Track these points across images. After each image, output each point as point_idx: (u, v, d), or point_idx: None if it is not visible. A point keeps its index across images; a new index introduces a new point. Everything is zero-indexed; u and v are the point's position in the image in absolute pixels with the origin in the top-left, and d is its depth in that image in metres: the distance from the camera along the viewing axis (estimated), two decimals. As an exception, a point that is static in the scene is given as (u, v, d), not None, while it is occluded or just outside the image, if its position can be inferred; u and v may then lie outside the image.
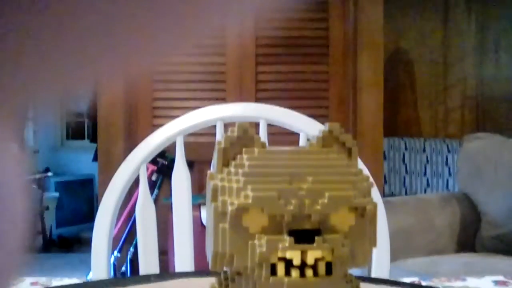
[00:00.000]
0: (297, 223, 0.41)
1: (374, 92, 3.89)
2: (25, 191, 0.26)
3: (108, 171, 2.99)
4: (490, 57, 4.86)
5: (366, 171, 0.90)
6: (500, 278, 0.98)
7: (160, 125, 1.36)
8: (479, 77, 4.86)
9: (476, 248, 3.11)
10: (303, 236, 0.40)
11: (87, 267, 1.26)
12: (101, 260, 1.24)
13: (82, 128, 8.85)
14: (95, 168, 4.18)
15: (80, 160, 8.10)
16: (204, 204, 0.46)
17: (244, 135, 0.44)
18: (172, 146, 1.34)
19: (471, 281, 0.97)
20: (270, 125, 1.35)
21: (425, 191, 4.45)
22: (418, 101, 4.86)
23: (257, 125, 1.33)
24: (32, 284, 0.94)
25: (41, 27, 0.19)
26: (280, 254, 0.40)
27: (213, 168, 0.44)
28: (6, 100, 0.21)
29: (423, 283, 0.95)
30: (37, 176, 7.26)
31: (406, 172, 4.47)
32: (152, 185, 3.87)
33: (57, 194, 7.65)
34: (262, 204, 0.41)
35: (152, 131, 1.36)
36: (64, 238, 7.33)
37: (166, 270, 2.77)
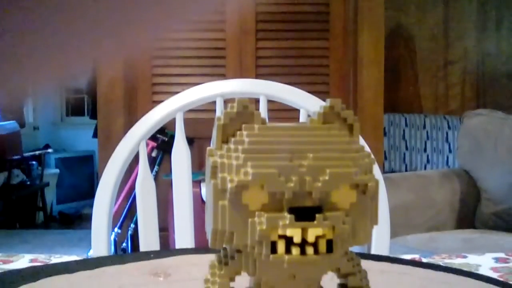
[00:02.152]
0: (298, 200, 0.40)
1: (375, 68, 3.88)
2: None
3: (108, 148, 2.99)
4: (491, 33, 4.84)
5: (367, 148, 0.90)
6: (501, 255, 0.98)
7: (160, 101, 1.35)
8: (480, 53, 4.85)
9: (475, 224, 3.12)
10: (304, 214, 0.40)
11: (88, 243, 1.27)
12: (101, 236, 1.24)
13: (82, 105, 8.85)
14: (95, 145, 4.19)
15: (80, 136, 8.10)
16: (204, 180, 0.45)
17: (244, 111, 0.43)
18: (172, 122, 1.33)
19: (471, 258, 0.97)
20: (270, 101, 1.34)
21: (425, 168, 4.46)
22: (418, 77, 4.85)
23: (257, 101, 1.32)
24: (32, 260, 0.94)
25: (41, 8, 0.19)
26: (280, 232, 0.40)
27: (212, 145, 0.44)
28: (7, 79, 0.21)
29: (424, 260, 0.95)
30: (37, 152, 7.26)
31: (406, 148, 4.47)
32: (152, 162, 3.87)
33: (57, 171, 7.66)
34: (262, 181, 0.40)
35: (151, 107, 1.36)
36: (64, 214, 7.35)
37: (166, 246, 2.78)
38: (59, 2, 0.19)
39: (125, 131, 1.32)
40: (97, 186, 1.28)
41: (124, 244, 3.95)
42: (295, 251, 0.40)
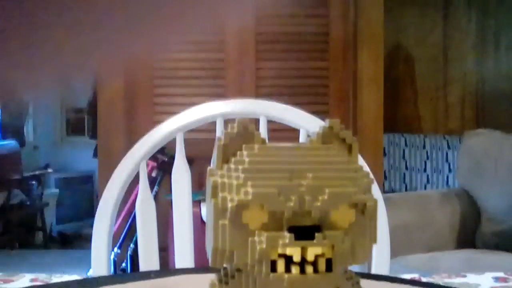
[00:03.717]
0: (297, 219, 0.41)
1: (374, 88, 3.89)
2: None
3: (108, 168, 2.99)
4: (490, 54, 4.86)
5: (366, 168, 0.90)
6: (501, 274, 0.98)
7: (161, 121, 1.36)
8: (479, 74, 4.86)
9: (476, 244, 3.11)
10: (303, 233, 0.40)
11: (87, 263, 1.26)
12: (101, 256, 1.23)
13: (82, 124, 8.85)
14: (95, 165, 4.18)
15: (80, 156, 8.09)
16: (204, 200, 0.46)
17: (244, 132, 0.44)
18: (172, 143, 1.33)
19: (471, 277, 0.97)
20: (270, 121, 1.35)
21: (425, 188, 4.45)
22: (418, 97, 4.86)
23: (257, 121, 1.33)
24: (32, 280, 0.94)
25: (41, 18, 0.19)
26: (280, 251, 0.40)
27: (213, 165, 0.44)
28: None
29: (423, 280, 0.95)
30: (37, 172, 7.26)
31: (406, 168, 4.47)
32: (152, 182, 3.87)
33: (57, 191, 7.65)
34: (262, 201, 0.40)
35: (152, 127, 1.36)
36: (64, 234, 7.33)
37: (166, 267, 2.77)
38: (57, 21, 0.19)
39: (125, 151, 1.32)
40: (97, 206, 1.28)
41: (123, 264, 3.94)
42: (295, 270, 0.40)
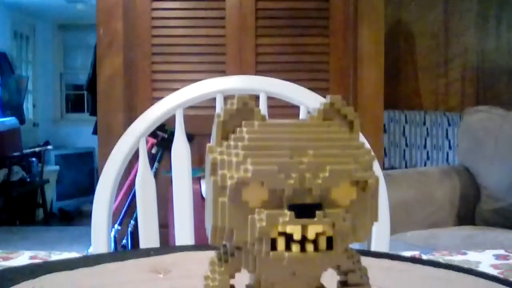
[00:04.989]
0: (298, 197, 0.40)
1: (375, 65, 3.87)
2: None
3: (108, 144, 2.98)
4: (491, 30, 4.84)
5: (367, 145, 0.90)
6: (501, 252, 0.98)
7: (160, 98, 1.35)
8: (480, 50, 4.85)
9: (475, 221, 3.12)
10: (304, 211, 0.40)
11: (88, 240, 1.26)
12: (101, 233, 1.24)
13: (82, 101, 8.85)
14: (95, 141, 4.19)
15: (80, 133, 8.11)
16: (204, 177, 0.45)
17: (243, 108, 0.43)
18: (172, 119, 1.33)
19: (472, 255, 0.97)
20: (270, 98, 1.34)
21: (425, 164, 4.46)
22: (418, 74, 4.85)
23: (257, 97, 1.32)
24: (32, 257, 0.94)
25: None
26: (280, 229, 0.40)
27: (212, 141, 0.44)
28: None
29: (424, 257, 0.95)
30: (37, 149, 7.27)
31: (406, 145, 4.47)
32: (152, 158, 3.87)
33: (57, 168, 7.67)
34: (262, 178, 0.40)
35: (151, 104, 1.35)
36: (64, 211, 7.36)
37: (166, 243, 2.78)
38: None
39: (125, 128, 1.32)
40: (97, 183, 1.28)
41: (124, 241, 3.95)
42: (295, 248, 0.40)
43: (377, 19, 3.89)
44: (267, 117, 0.44)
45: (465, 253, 0.98)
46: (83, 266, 0.77)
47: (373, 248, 1.21)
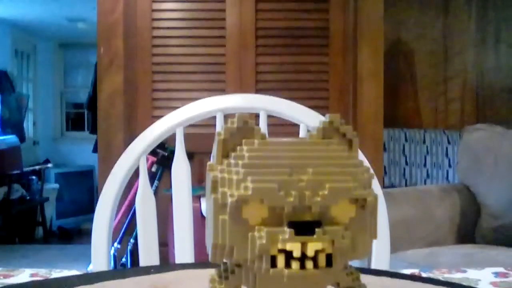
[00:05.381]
0: (297, 214, 0.41)
1: (374, 83, 3.88)
2: None
3: (108, 163, 2.99)
4: (490, 48, 4.85)
5: (366, 163, 0.90)
6: (501, 269, 0.98)
7: (160, 116, 1.35)
8: (479, 68, 4.86)
9: (476, 239, 3.11)
10: (304, 228, 0.40)
11: (87, 258, 1.26)
12: (101, 251, 1.23)
13: (82, 119, 8.86)
14: (95, 160, 4.19)
15: (80, 151, 8.10)
16: (204, 195, 0.46)
17: (244, 126, 0.44)
18: (172, 137, 1.33)
19: (471, 272, 0.97)
20: (270, 116, 1.35)
21: (425, 183, 4.45)
22: (418, 92, 4.86)
23: (257, 116, 1.33)
24: (32, 275, 0.94)
25: None
26: (280, 246, 0.40)
27: (212, 160, 0.44)
28: None
29: (423, 275, 0.95)
30: (37, 167, 7.26)
31: (406, 163, 4.47)
32: (152, 177, 3.87)
33: (57, 186, 7.65)
34: (262, 196, 0.40)
35: (152, 122, 1.36)
36: (64, 229, 7.34)
37: (166, 262, 2.77)
38: None
39: (125, 146, 1.32)
40: (96, 201, 1.28)
41: (123, 259, 3.94)
42: (295, 265, 0.40)
43: (376, 38, 3.90)
44: (267, 136, 0.44)
45: (464, 271, 0.98)
46: (84, 283, 0.77)
47: (373, 266, 1.21)
